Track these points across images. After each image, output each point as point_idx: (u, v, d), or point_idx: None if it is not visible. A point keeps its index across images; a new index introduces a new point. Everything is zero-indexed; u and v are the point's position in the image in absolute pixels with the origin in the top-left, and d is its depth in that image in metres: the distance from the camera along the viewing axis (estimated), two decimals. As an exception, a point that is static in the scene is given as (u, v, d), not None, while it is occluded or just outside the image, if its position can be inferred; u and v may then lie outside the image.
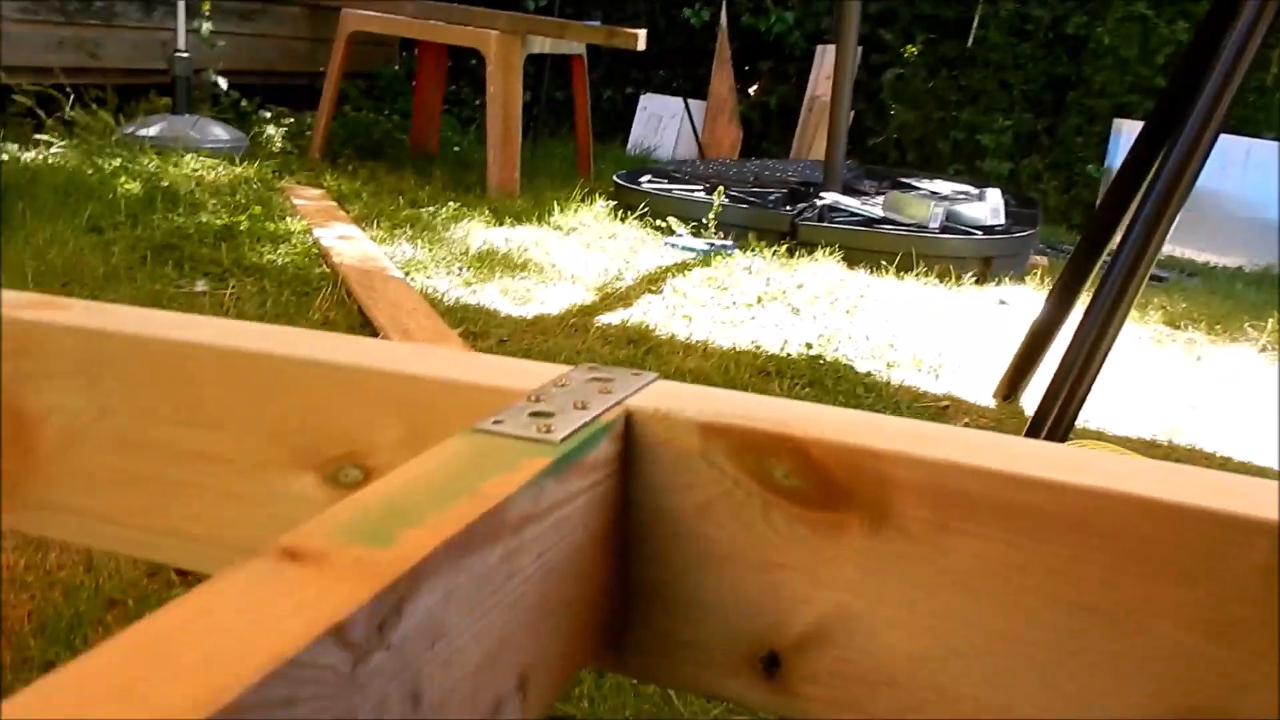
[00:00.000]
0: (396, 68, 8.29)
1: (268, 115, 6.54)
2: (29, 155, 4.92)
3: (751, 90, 9.64)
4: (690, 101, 8.77)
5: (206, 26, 6.13)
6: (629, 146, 8.83)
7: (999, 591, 0.58)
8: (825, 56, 7.94)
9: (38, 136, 5.17)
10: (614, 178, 5.96)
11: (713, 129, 8.66)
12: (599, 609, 0.64)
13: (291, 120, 6.59)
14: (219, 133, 5.73)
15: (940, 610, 0.59)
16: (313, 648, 0.39)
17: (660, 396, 0.66)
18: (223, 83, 6.33)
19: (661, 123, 9.02)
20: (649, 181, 5.88)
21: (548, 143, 8.02)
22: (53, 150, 5.01)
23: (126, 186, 4.49)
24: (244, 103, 6.51)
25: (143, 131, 5.45)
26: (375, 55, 8.05)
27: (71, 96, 5.53)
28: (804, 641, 0.63)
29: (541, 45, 5.67)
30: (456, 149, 6.90)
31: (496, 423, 0.60)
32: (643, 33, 5.43)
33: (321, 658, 0.39)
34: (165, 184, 4.62)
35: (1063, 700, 0.58)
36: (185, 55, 5.78)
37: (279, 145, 6.15)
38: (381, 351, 0.74)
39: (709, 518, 0.64)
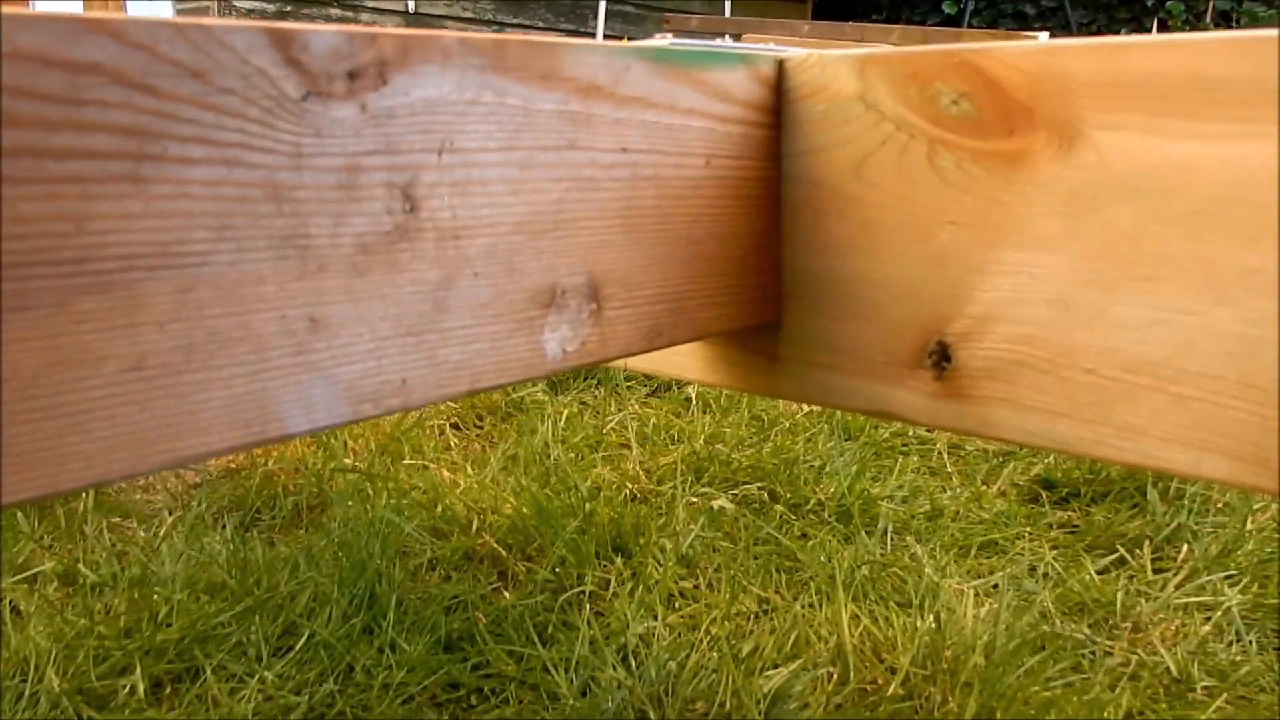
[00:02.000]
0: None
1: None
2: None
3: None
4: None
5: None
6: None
7: (1251, 216, 0.42)
8: None
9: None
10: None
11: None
12: (738, 279, 0.55)
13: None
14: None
15: (1164, 254, 0.44)
16: (240, 33, 0.35)
17: (821, 50, 0.56)
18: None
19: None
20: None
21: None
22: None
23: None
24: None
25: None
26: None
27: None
28: (981, 325, 0.50)
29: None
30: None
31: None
32: (1044, 36, 5.07)
33: (253, 54, 0.35)
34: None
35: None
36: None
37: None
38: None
39: (867, 177, 0.53)
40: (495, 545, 0.95)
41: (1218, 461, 0.45)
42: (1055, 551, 1.02)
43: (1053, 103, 0.46)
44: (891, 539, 1.03)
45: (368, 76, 0.38)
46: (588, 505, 0.98)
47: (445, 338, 0.42)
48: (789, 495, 1.10)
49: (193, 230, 0.34)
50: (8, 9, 0.30)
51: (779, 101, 0.56)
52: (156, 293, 0.34)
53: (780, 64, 0.55)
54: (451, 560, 0.92)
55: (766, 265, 0.57)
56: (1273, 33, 0.41)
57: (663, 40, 0.54)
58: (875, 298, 0.54)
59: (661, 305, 0.51)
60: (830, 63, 0.54)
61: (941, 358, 0.52)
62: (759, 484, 1.13)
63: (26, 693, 0.65)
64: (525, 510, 0.98)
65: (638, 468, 1.16)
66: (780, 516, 1.06)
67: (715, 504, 1.03)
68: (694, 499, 1.07)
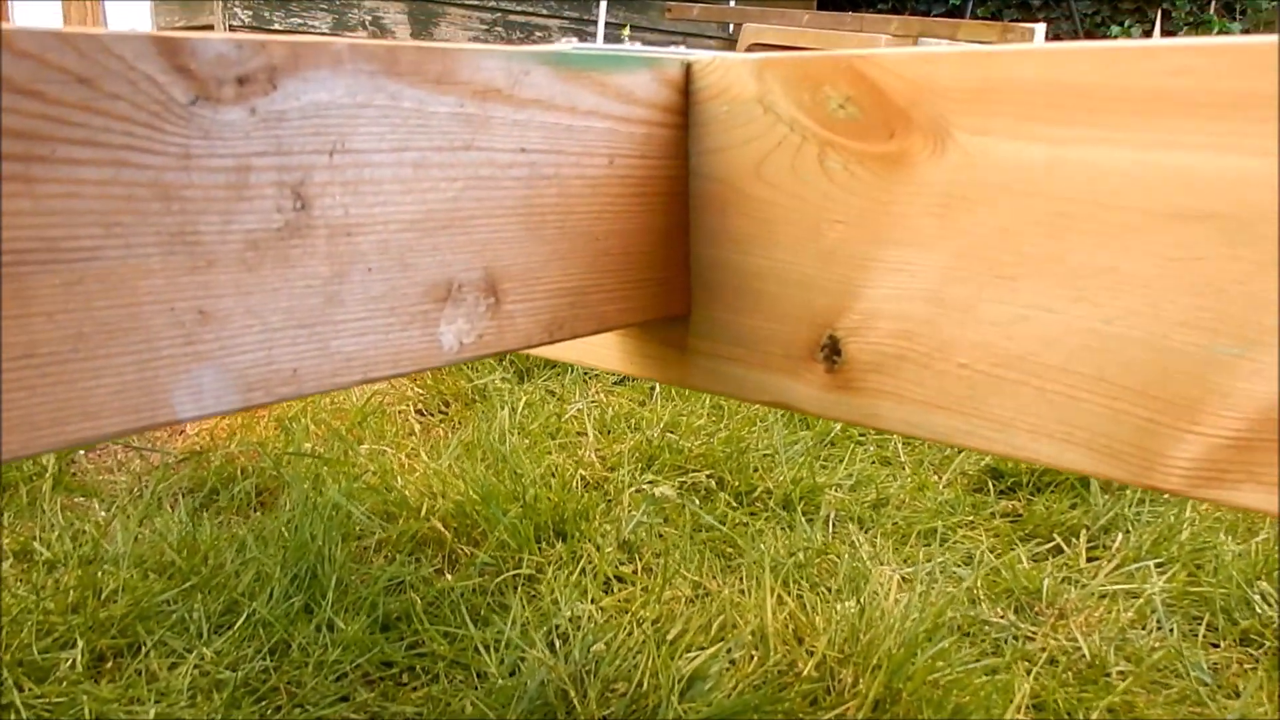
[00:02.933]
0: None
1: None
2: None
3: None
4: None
5: (625, 33, 6.62)
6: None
7: (1105, 218, 0.45)
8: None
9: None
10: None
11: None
12: (643, 273, 0.57)
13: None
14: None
15: (1026, 253, 0.47)
16: (128, 41, 0.37)
17: (727, 54, 0.59)
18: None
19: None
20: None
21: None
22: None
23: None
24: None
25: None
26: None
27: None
28: (867, 320, 0.53)
29: (935, 47, 5.49)
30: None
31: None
32: (1041, 27, 5.08)
33: (141, 61, 0.37)
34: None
35: (1172, 359, 0.43)
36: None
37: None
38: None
39: (766, 176, 0.55)
40: (442, 529, 0.97)
41: (1077, 453, 0.47)
42: (994, 539, 1.05)
43: (927, 108, 0.49)
44: (834, 527, 1.05)
45: (257, 82, 0.41)
46: (530, 491, 1.00)
47: (338, 329, 0.44)
48: (736, 483, 1.13)
49: (81, 227, 0.37)
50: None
51: (686, 102, 0.58)
52: (45, 285, 0.36)
53: (688, 66, 0.58)
54: (398, 543, 0.95)
55: (674, 259, 0.59)
56: (1129, 43, 0.43)
57: (567, 45, 0.56)
58: (773, 292, 0.56)
59: (562, 299, 0.53)
60: (732, 66, 0.56)
61: (833, 351, 0.55)
62: (708, 472, 1.15)
63: (-34, 666, 0.68)
64: (472, 494, 1.00)
65: (592, 455, 1.19)
66: (725, 504, 1.08)
67: (657, 491, 1.05)
68: (642, 486, 1.09)
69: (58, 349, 0.37)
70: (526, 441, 1.23)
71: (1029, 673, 0.78)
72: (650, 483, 1.10)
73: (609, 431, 1.26)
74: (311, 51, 0.42)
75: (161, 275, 0.39)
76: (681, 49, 0.60)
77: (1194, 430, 0.44)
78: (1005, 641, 0.84)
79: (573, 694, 0.68)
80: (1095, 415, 0.46)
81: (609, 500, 1.04)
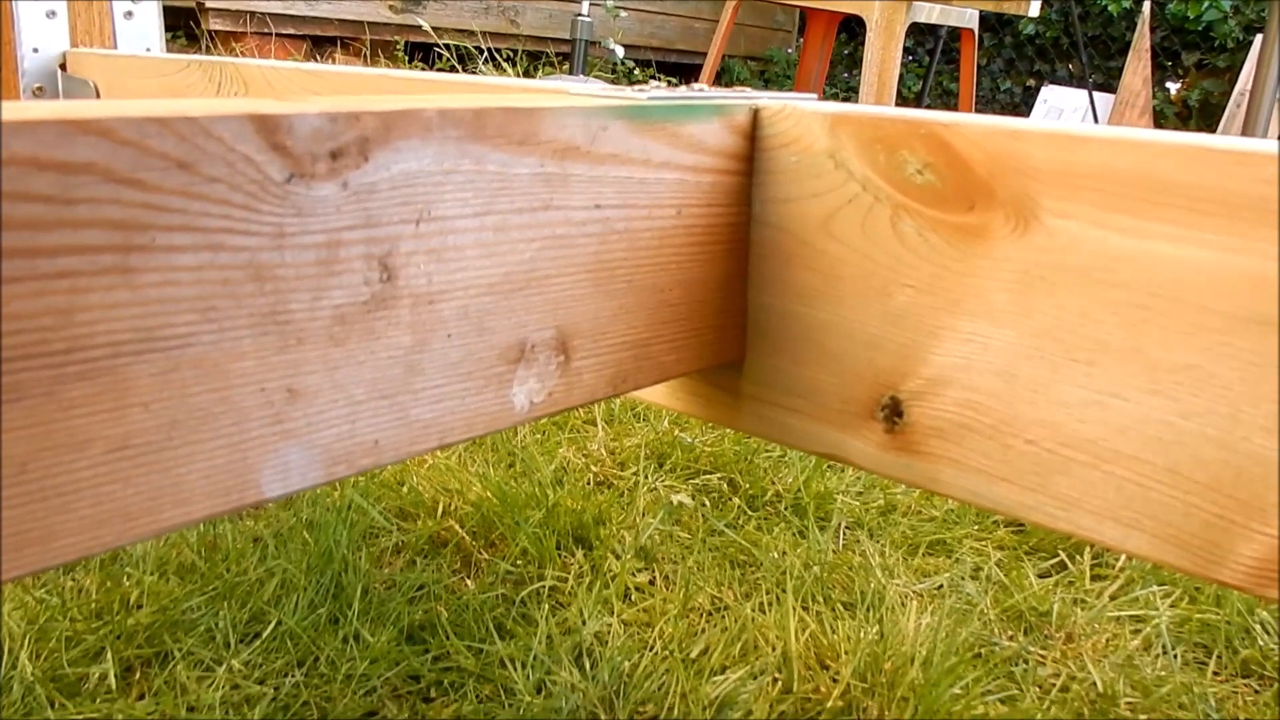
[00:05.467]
0: (790, 51, 8.33)
1: (656, 83, 6.83)
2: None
3: (1174, 87, 8.68)
4: (1097, 95, 8.03)
5: (611, 2, 6.52)
6: (1022, 135, 8.25)
7: (1187, 316, 0.44)
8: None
9: (452, 87, 5.77)
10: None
11: (1118, 124, 7.89)
12: (703, 322, 0.57)
13: (679, 89, 6.84)
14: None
15: (1105, 341, 0.47)
16: (227, 122, 0.36)
17: (797, 100, 0.58)
18: (619, 50, 6.70)
19: (1061, 116, 8.35)
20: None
21: (933, 125, 7.71)
22: (462, 99, 5.56)
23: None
24: (636, 71, 6.85)
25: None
26: (771, 39, 8.16)
27: (485, 55, 6.10)
28: (933, 386, 0.53)
29: (929, 14, 5.44)
30: (836, 124, 6.79)
31: (587, 86, 0.55)
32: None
33: (239, 142, 0.36)
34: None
35: (1248, 461, 0.43)
36: (587, 19, 6.18)
37: (663, 110, 6.40)
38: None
39: (834, 232, 0.55)
40: (460, 531, 0.97)
41: (1142, 539, 0.48)
42: (1000, 552, 1.06)
43: (1012, 184, 0.48)
44: (844, 534, 1.06)
45: (349, 155, 0.40)
46: (551, 497, 1.00)
47: (417, 398, 0.44)
48: (748, 486, 1.13)
49: (178, 314, 0.36)
50: (6, 117, 0.31)
51: (752, 148, 0.57)
52: (141, 375, 0.35)
53: (755, 112, 0.57)
54: (416, 545, 0.95)
55: (732, 306, 0.59)
56: (1222, 144, 0.43)
57: (640, 94, 0.55)
58: (835, 347, 0.56)
59: (626, 353, 0.53)
60: (804, 116, 0.55)
61: (894, 412, 0.55)
62: (719, 474, 1.16)
63: (-1, 678, 0.67)
64: (490, 496, 1.00)
65: (602, 449, 1.19)
66: (738, 509, 1.09)
67: (675, 498, 1.06)
68: (655, 487, 1.10)
69: (153, 438, 0.36)
70: (537, 435, 1.23)
71: (1043, 701, 0.80)
72: (664, 483, 1.10)
73: (617, 421, 1.26)
74: (402, 120, 0.41)
75: (253, 356, 0.38)
76: (747, 91, 0.60)
77: (1264, 532, 0.44)
78: (1017, 665, 0.85)
79: (603, 716, 0.68)
80: (1164, 505, 0.47)
81: (621, 498, 1.04)
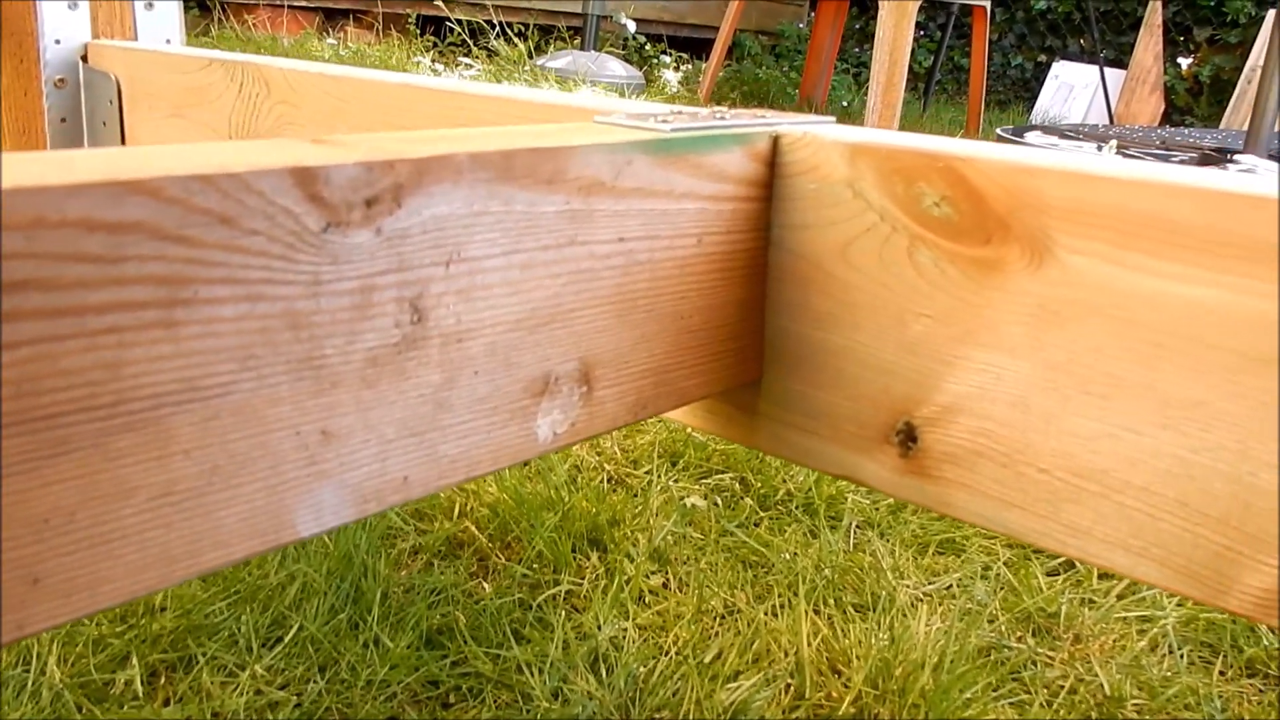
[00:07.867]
0: (801, 25, 8.28)
1: (667, 59, 6.80)
2: (454, 75, 5.50)
3: (1186, 62, 8.61)
4: (1108, 70, 7.97)
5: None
6: (1033, 115, 8.21)
7: (1199, 354, 0.45)
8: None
9: (463, 59, 5.76)
10: (997, 131, 5.57)
11: (1129, 100, 7.82)
12: (721, 346, 0.58)
13: (689, 65, 6.81)
14: (617, 69, 6.07)
15: (1118, 376, 0.48)
16: (268, 176, 0.37)
17: (817, 126, 0.58)
18: (631, 25, 6.68)
19: (1072, 92, 8.29)
20: (1037, 137, 5.44)
21: (944, 107, 7.69)
22: (471, 72, 5.56)
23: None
24: (648, 46, 6.83)
25: (551, 64, 5.90)
26: (783, 13, 8.12)
27: (496, 30, 6.09)
28: (947, 413, 0.54)
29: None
30: (845, 104, 6.78)
31: (611, 116, 0.55)
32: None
33: (279, 195, 0.37)
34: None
35: (1255, 496, 0.44)
36: (599, -5, 6.16)
37: (673, 87, 6.38)
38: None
39: (851, 259, 0.56)
40: (477, 533, 0.99)
41: (1151, 568, 0.49)
42: (1008, 550, 1.07)
43: (1028, 220, 0.49)
44: (855, 533, 1.07)
45: (384, 202, 0.40)
46: (567, 499, 1.02)
47: (445, 434, 0.45)
48: (759, 485, 1.15)
49: (218, 364, 0.37)
50: (57, 179, 0.32)
51: (771, 174, 0.58)
52: (183, 424, 0.36)
53: (776, 139, 0.57)
54: (434, 547, 0.96)
55: (749, 329, 0.60)
56: (1235, 188, 0.44)
57: (664, 126, 0.55)
58: (851, 372, 0.57)
59: (647, 380, 0.54)
60: (824, 145, 0.56)
61: (908, 437, 0.56)
62: (731, 473, 1.17)
63: (29, 685, 0.69)
64: (506, 497, 1.01)
65: (615, 447, 1.20)
66: (750, 509, 1.10)
67: (689, 501, 1.07)
68: (668, 486, 1.11)
69: (194, 484, 0.37)
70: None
71: (1051, 704, 0.82)
72: (677, 483, 1.11)
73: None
74: (435, 166, 0.42)
75: (289, 401, 0.39)
76: (768, 116, 0.60)
77: (1269, 563, 0.45)
78: (1025, 667, 0.87)
79: (619, 723, 0.70)
80: (1173, 536, 0.48)
81: (635, 499, 1.05)
